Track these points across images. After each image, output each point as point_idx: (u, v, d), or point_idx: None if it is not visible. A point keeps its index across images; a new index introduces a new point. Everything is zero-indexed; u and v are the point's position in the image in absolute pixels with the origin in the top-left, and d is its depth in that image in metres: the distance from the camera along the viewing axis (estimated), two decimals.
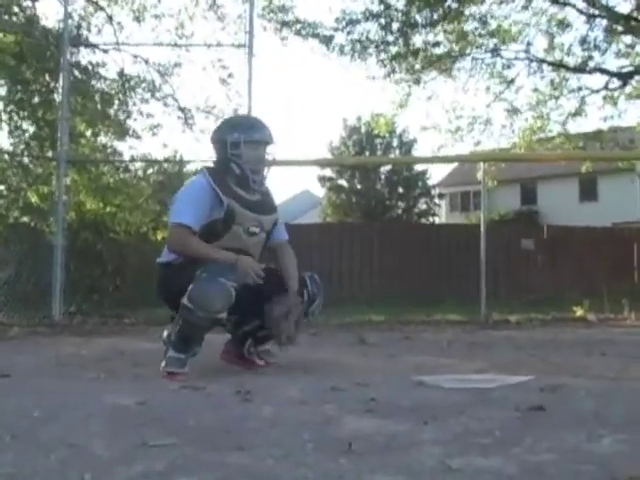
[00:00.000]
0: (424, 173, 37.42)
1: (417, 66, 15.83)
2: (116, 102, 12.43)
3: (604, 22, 15.80)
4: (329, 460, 2.02)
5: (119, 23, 13.35)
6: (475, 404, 2.88)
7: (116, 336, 7.10)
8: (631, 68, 16.24)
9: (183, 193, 4.39)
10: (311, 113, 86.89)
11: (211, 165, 4.58)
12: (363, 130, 36.08)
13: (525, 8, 15.99)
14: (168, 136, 12.89)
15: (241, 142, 4.32)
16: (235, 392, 3.17)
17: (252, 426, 2.49)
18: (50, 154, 10.82)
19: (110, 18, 13.50)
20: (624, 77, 16.49)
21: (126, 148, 12.51)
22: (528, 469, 1.92)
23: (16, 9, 12.00)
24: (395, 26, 15.27)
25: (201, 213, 4.18)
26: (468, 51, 16.13)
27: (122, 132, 12.22)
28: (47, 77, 11.58)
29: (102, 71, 12.21)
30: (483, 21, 15.68)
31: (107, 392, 3.28)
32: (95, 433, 2.39)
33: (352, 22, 15.38)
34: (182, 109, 12.36)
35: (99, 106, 12.08)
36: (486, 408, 2.79)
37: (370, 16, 15.17)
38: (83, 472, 1.91)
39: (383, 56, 15.61)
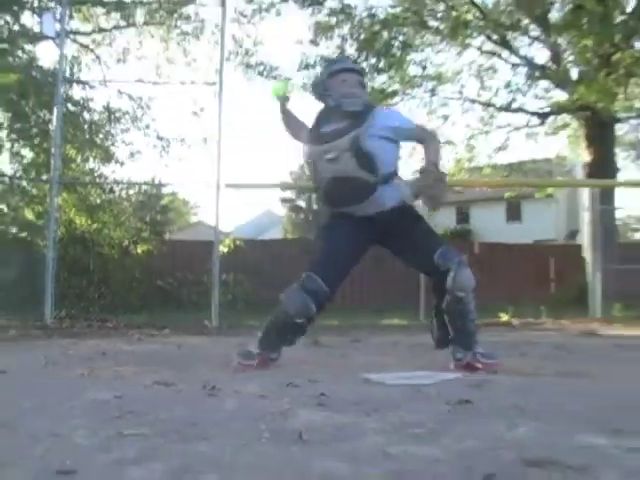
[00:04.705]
0: None
1: None
2: (102, 131, 12.45)
3: (525, 70, 16.10)
4: (282, 448, 2.01)
5: (105, 63, 13.41)
6: (412, 399, 2.88)
7: (100, 338, 7.01)
8: (548, 109, 16.55)
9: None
10: (275, 143, 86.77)
11: None
12: None
13: (459, 55, 16.27)
14: (147, 162, 13.01)
15: (325, 78, 4.32)
16: (202, 388, 3.14)
17: (216, 418, 2.46)
18: (45, 177, 10.80)
19: (98, 58, 13.54)
20: (542, 117, 16.79)
21: (110, 172, 12.54)
22: (454, 455, 1.93)
23: (19, 52, 12.03)
24: None
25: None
26: (409, 91, 16.29)
27: (107, 158, 12.25)
28: (44, 110, 11.60)
29: (91, 104, 12.29)
30: (423, 66, 15.86)
31: (89, 388, 3.23)
32: (77, 424, 2.36)
33: (307, 66, 15.52)
34: (160, 138, 12.39)
35: (87, 135, 12.10)
36: (421, 402, 2.80)
37: (324, 61, 15.31)
38: (65, 459, 1.90)
39: None
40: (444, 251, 4.08)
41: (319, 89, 4.35)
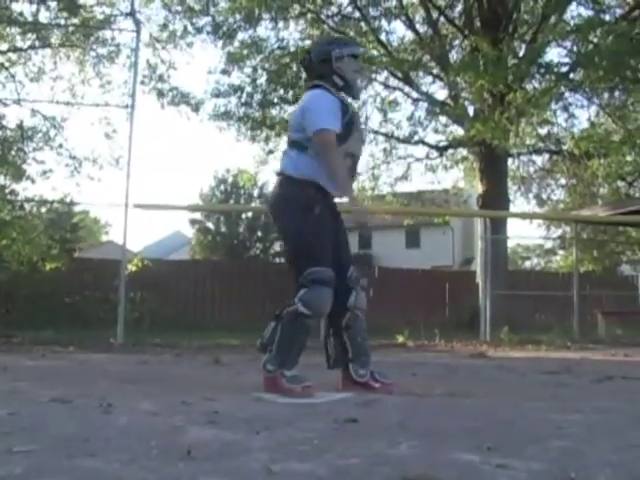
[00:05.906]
0: None
1: (273, 132, 16.06)
2: (14, 149, 12.24)
3: (426, 105, 16.47)
4: (169, 464, 1.98)
5: (20, 82, 13.19)
6: (302, 416, 2.88)
7: (4, 354, 6.79)
8: (446, 143, 16.98)
9: (318, 102, 3.87)
10: (186, 166, 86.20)
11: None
12: (230, 181, 36.04)
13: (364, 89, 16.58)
14: (59, 180, 12.89)
15: (344, 56, 3.97)
16: (98, 405, 3.06)
17: (107, 435, 2.41)
18: None
19: (13, 77, 13.30)
20: (441, 150, 17.22)
21: (21, 189, 12.30)
22: (336, 471, 1.94)
23: None
24: (256, 98, 15.47)
25: (338, 119, 3.80)
26: None
27: (19, 175, 12.01)
28: None
29: (3, 122, 12.09)
30: None
31: None
32: None
33: (219, 94, 15.53)
34: (72, 157, 12.26)
35: None
36: (310, 420, 2.79)
37: (234, 90, 15.34)
38: None
39: (244, 128, 15.85)
40: (353, 269, 4.08)
41: (332, 62, 3.98)
